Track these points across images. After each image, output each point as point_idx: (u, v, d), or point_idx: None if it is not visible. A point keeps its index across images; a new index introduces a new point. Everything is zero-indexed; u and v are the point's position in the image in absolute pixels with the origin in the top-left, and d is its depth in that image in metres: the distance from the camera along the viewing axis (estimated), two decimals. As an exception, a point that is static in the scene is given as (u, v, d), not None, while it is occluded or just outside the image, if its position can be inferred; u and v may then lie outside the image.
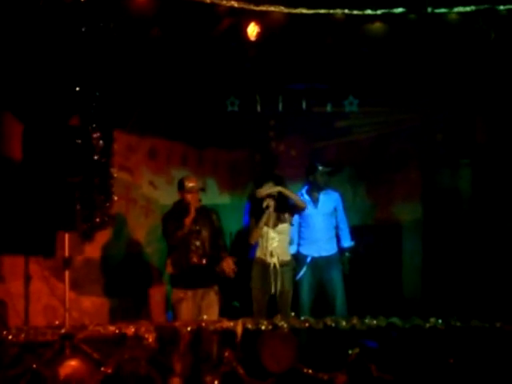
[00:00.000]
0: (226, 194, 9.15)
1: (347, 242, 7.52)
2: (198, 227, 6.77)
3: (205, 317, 6.24)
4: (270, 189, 6.80)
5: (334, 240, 7.50)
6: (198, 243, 6.74)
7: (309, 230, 7.41)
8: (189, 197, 6.74)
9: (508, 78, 7.33)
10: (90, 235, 6.57)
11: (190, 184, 6.77)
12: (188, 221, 6.69)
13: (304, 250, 7.40)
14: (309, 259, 7.38)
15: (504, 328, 5.91)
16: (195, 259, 6.75)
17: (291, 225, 6.91)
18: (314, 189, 7.47)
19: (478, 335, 5.90)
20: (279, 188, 6.78)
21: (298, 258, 7.32)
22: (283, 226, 6.83)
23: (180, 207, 6.81)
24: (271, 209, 6.79)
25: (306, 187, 7.52)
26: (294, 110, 8.09)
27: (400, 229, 8.90)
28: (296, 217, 7.09)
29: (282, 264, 6.77)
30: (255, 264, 6.86)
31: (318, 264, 7.37)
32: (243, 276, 7.62)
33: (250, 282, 6.90)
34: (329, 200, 7.48)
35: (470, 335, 5.90)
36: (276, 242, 6.80)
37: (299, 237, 7.37)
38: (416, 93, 8.11)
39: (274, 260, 6.75)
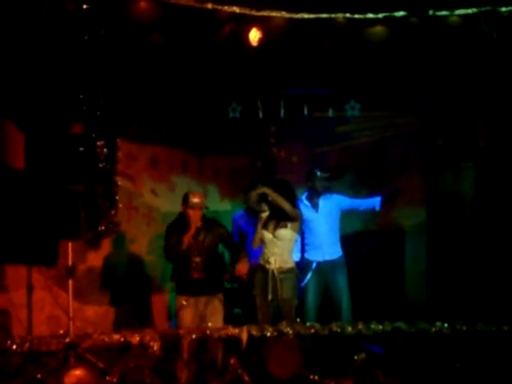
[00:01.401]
0: (226, 201, 9.16)
1: (377, 201, 7.55)
2: (199, 244, 6.69)
3: (209, 324, 6.20)
4: (257, 190, 6.75)
5: (338, 244, 7.47)
6: (197, 259, 6.67)
7: (312, 235, 7.39)
8: (191, 213, 6.67)
9: (509, 81, 7.31)
10: (96, 243, 6.54)
11: (193, 200, 6.66)
12: (187, 238, 6.62)
13: (309, 256, 7.38)
14: (314, 265, 7.35)
15: (511, 331, 5.87)
16: (195, 275, 6.69)
17: (297, 232, 6.78)
18: (314, 194, 7.48)
19: (484, 339, 5.88)
20: (265, 189, 6.68)
21: (303, 264, 7.29)
22: (283, 232, 6.67)
23: (182, 221, 6.73)
24: (264, 214, 6.71)
25: (305, 193, 7.52)
26: (295, 115, 8.07)
27: (403, 233, 8.89)
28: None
29: (281, 271, 6.64)
30: (257, 270, 6.79)
31: (323, 269, 7.35)
32: (244, 283, 7.62)
33: (252, 288, 6.82)
34: (329, 203, 7.48)
35: (476, 339, 5.87)
36: (276, 248, 6.67)
37: (303, 243, 7.35)
38: (417, 96, 8.09)
39: (272, 266, 6.64)
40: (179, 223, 6.74)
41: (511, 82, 7.31)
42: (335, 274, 7.36)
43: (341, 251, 7.47)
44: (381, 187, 8.84)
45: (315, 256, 7.37)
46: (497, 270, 7.95)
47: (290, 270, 6.71)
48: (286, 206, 6.61)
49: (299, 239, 7.13)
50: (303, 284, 7.25)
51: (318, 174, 7.44)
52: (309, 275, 7.32)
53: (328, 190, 7.56)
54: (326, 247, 7.38)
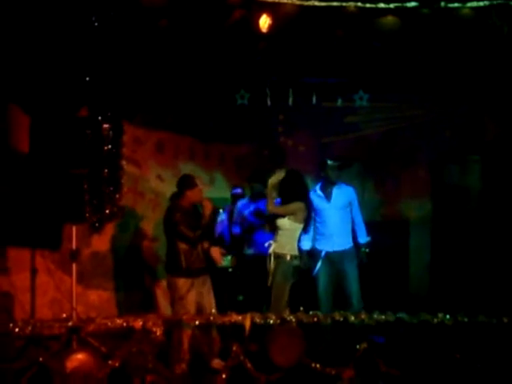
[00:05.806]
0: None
1: (363, 238, 7.46)
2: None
3: (210, 305, 6.38)
4: (271, 182, 6.95)
5: (349, 235, 7.39)
6: (206, 244, 6.69)
7: (323, 225, 7.35)
8: (206, 203, 6.65)
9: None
10: (100, 227, 6.53)
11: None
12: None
13: (319, 245, 7.34)
14: (323, 254, 7.32)
15: (511, 323, 5.87)
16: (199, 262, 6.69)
17: (298, 222, 6.93)
18: (327, 184, 7.43)
19: (485, 331, 5.87)
20: (271, 182, 6.93)
21: (313, 253, 7.28)
22: (282, 221, 6.90)
23: (191, 208, 6.69)
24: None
25: (319, 183, 7.48)
26: (303, 104, 8.02)
27: (407, 225, 8.89)
28: (312, 213, 7.15)
29: (277, 256, 6.90)
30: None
31: (333, 259, 7.29)
32: (245, 270, 7.64)
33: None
34: (342, 194, 7.42)
35: (477, 331, 5.87)
36: (277, 236, 6.96)
37: (315, 232, 7.33)
38: (426, 89, 8.04)
39: (270, 251, 6.93)
40: (188, 213, 6.66)
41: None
42: (344, 265, 7.29)
43: (351, 242, 7.40)
44: (387, 178, 8.87)
45: (325, 246, 7.31)
46: (500, 262, 7.94)
47: (285, 255, 6.89)
48: (268, 206, 6.90)
49: (311, 227, 7.20)
50: (315, 273, 7.26)
51: (329, 163, 7.39)
52: (319, 264, 7.31)
53: (340, 179, 7.52)
54: (336, 238, 7.32)
